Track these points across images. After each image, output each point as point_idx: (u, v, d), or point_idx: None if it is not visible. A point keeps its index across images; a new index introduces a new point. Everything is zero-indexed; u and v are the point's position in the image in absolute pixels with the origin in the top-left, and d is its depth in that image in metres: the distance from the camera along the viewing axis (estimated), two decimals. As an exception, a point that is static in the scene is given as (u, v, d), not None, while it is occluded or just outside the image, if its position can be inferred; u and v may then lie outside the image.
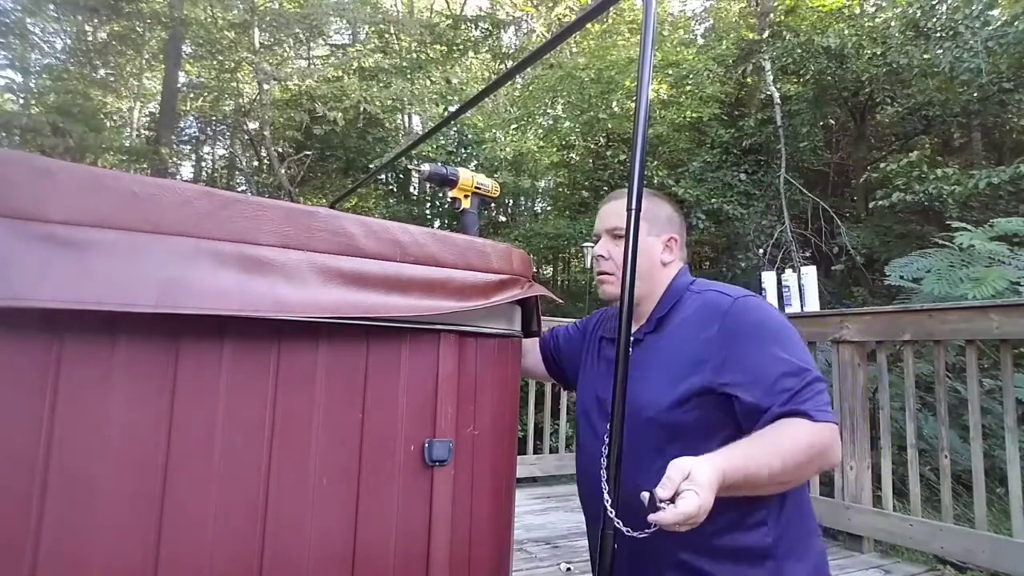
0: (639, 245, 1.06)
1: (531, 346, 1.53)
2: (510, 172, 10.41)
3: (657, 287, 1.23)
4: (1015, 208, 6.82)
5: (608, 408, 1.13)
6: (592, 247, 1.36)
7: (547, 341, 1.52)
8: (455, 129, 10.91)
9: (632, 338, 1.16)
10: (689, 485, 0.82)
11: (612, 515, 0.86)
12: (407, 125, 13.44)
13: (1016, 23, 6.85)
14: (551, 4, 11.88)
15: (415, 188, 13.32)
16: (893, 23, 8.10)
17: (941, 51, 7.25)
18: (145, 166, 11.03)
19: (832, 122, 9.94)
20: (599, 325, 1.42)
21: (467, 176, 1.41)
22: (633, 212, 1.14)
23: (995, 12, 7.31)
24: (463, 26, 12.45)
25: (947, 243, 4.77)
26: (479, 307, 1.07)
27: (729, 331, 1.09)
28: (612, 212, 1.26)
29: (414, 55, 11.95)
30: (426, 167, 1.39)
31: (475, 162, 11.58)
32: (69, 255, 0.72)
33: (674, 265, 1.26)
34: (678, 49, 9.75)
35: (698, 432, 1.08)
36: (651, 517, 0.81)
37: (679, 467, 0.84)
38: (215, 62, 11.77)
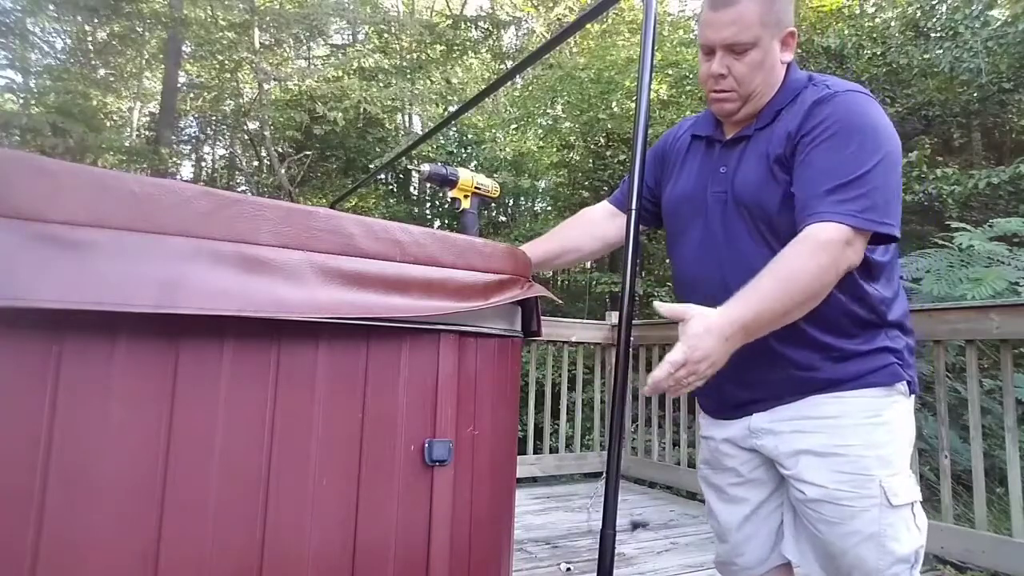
0: (759, 57, 1.08)
1: (604, 214, 1.44)
2: (510, 172, 10.41)
3: (775, 88, 1.15)
4: (1015, 208, 6.81)
5: (725, 193, 1.14)
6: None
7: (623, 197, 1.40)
8: (455, 129, 10.91)
9: (735, 135, 1.17)
10: (681, 337, 0.89)
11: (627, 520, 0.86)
12: (407, 125, 13.44)
13: (1016, 23, 6.85)
14: (551, 4, 11.88)
15: (415, 188, 13.32)
16: (893, 23, 8.10)
17: (941, 51, 7.25)
18: (145, 166, 11.02)
19: (832, 122, 9.90)
20: (681, 134, 1.34)
21: (467, 176, 1.41)
22: (635, 206, 1.15)
23: (995, 12, 7.31)
24: (463, 26, 12.45)
25: (947, 243, 4.77)
26: (479, 308, 1.07)
27: (811, 117, 1.05)
28: (728, 22, 1.08)
29: (414, 55, 11.95)
30: (426, 167, 1.40)
31: (475, 162, 11.58)
32: (69, 255, 0.72)
33: (789, 61, 1.16)
34: (678, 49, 9.75)
35: (785, 214, 1.06)
36: (649, 378, 0.89)
37: (695, 336, 0.90)
38: (215, 62, 11.77)
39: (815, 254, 0.95)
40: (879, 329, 1.10)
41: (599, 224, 1.44)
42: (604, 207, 1.47)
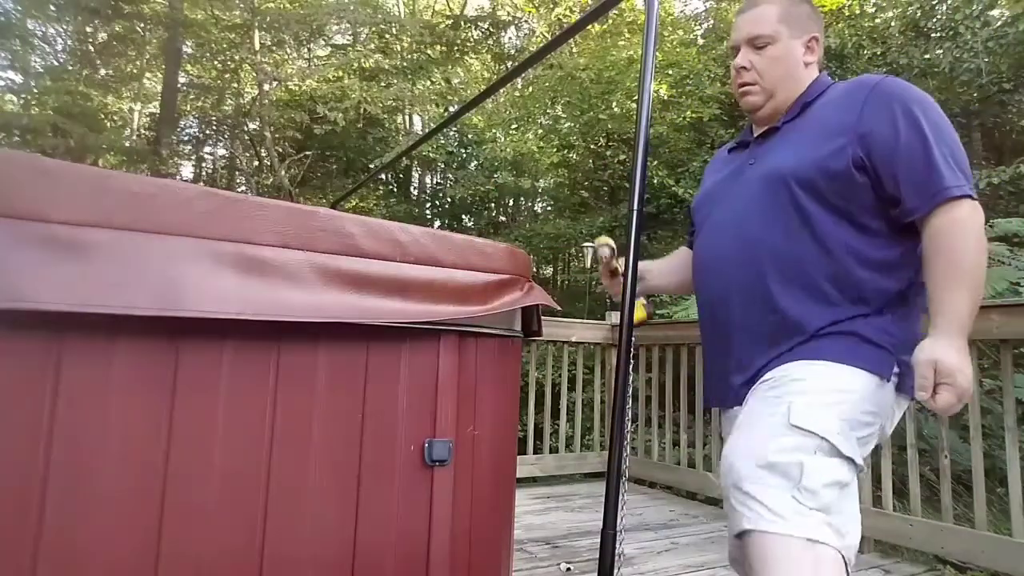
0: (778, 52, 1.17)
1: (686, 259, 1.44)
2: (510, 172, 10.41)
3: (800, 88, 1.20)
4: (1015, 208, 6.81)
5: (751, 180, 1.17)
6: (592, 247, 1.37)
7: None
8: (455, 129, 10.91)
9: (765, 129, 1.21)
10: (941, 379, 0.93)
11: (620, 520, 0.86)
12: (407, 125, 13.45)
13: (1016, 23, 6.85)
14: (551, 5, 11.88)
15: (415, 188, 13.33)
16: (893, 23, 8.10)
17: (941, 51, 7.25)
18: (145, 167, 11.02)
19: (832, 122, 9.91)
20: (716, 159, 1.42)
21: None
22: (635, 207, 1.15)
23: (995, 12, 7.32)
24: (463, 26, 12.46)
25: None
26: (480, 314, 1.07)
27: (878, 98, 1.07)
28: (750, 20, 1.20)
29: (415, 56, 11.95)
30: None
31: (475, 162, 11.59)
32: (69, 256, 0.72)
33: (814, 67, 1.23)
34: (678, 49, 9.75)
35: (834, 194, 1.07)
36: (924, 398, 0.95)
37: (924, 361, 0.95)
38: (215, 63, 11.78)
39: (967, 234, 0.99)
40: (868, 315, 1.07)
41: (682, 259, 1.49)
42: (683, 249, 1.52)
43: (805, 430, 0.96)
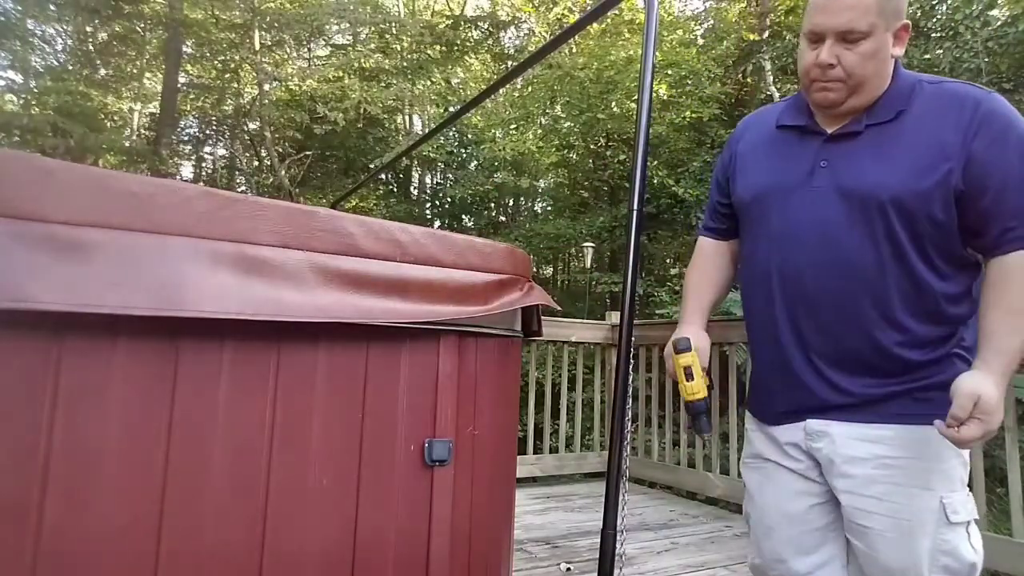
0: (872, 48, 0.99)
1: (714, 251, 1.29)
2: (510, 172, 10.41)
3: (884, 83, 1.06)
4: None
5: (827, 187, 1.05)
6: (590, 246, 1.31)
7: (722, 227, 1.27)
8: (455, 129, 10.92)
9: (842, 130, 1.07)
10: (978, 414, 0.90)
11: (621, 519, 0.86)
12: (407, 125, 13.45)
13: (1016, 23, 6.85)
14: (551, 5, 11.89)
15: (415, 188, 13.34)
16: (893, 23, 8.09)
17: (941, 51, 7.25)
18: (145, 166, 11.03)
19: (832, 122, 9.92)
20: (752, 127, 1.24)
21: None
22: (635, 207, 1.15)
23: (995, 12, 7.32)
24: (463, 26, 12.46)
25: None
26: (479, 314, 1.07)
27: (990, 122, 0.99)
28: (845, 7, 0.99)
29: (414, 56, 11.96)
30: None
31: (475, 162, 11.59)
32: (69, 256, 0.72)
33: (897, 54, 1.06)
34: (678, 49, 9.76)
35: (931, 227, 1.00)
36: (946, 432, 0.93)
37: (968, 393, 0.91)
38: (215, 63, 11.79)
39: None
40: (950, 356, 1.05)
41: (720, 262, 1.31)
42: (711, 244, 1.31)
43: (961, 523, 1.02)
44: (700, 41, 10.80)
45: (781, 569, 1.16)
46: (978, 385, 0.91)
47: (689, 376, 1.08)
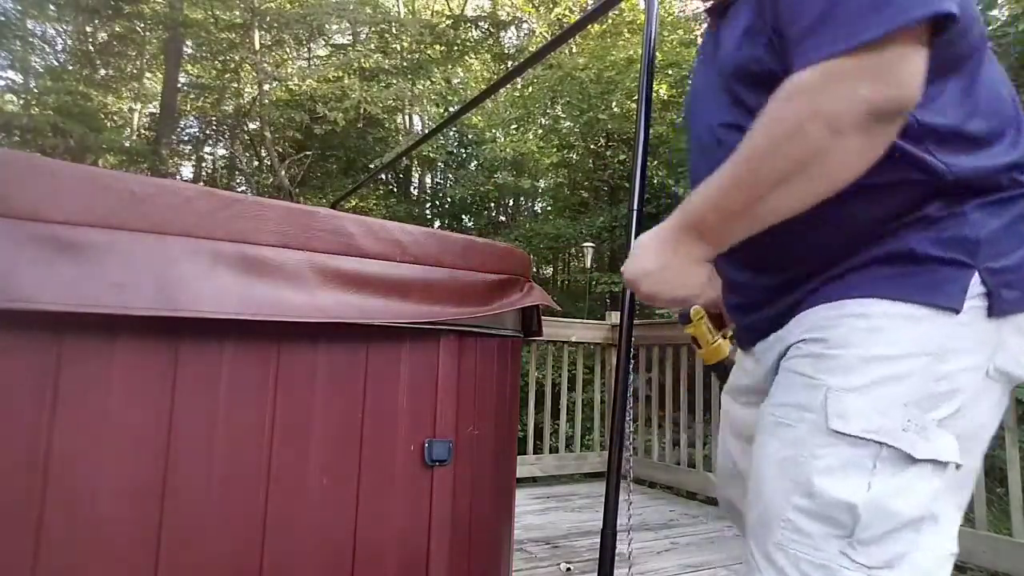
0: None
1: None
2: (510, 172, 10.41)
3: None
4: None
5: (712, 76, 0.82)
6: (590, 246, 1.30)
7: None
8: (455, 129, 10.92)
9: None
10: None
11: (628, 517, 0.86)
12: (407, 125, 13.45)
13: (1016, 23, 6.85)
14: (551, 5, 11.89)
15: (415, 188, 13.34)
16: (893, 23, 8.08)
17: (941, 51, 7.24)
18: (145, 166, 11.03)
19: (832, 122, 9.91)
20: None
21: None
22: (635, 206, 1.15)
23: (995, 12, 7.31)
24: (463, 26, 12.47)
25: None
26: (480, 315, 1.07)
27: None
28: None
29: (414, 55, 11.96)
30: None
31: (475, 162, 11.60)
32: (69, 256, 0.72)
33: None
34: (678, 49, 9.76)
35: (763, 76, 0.71)
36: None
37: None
38: (215, 62, 11.80)
39: (776, 112, 0.65)
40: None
41: None
42: None
43: (854, 437, 0.66)
44: (700, 41, 10.80)
45: None
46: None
47: (699, 345, 1.04)
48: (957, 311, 0.66)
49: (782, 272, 0.78)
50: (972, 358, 0.68)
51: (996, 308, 0.67)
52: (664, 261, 0.74)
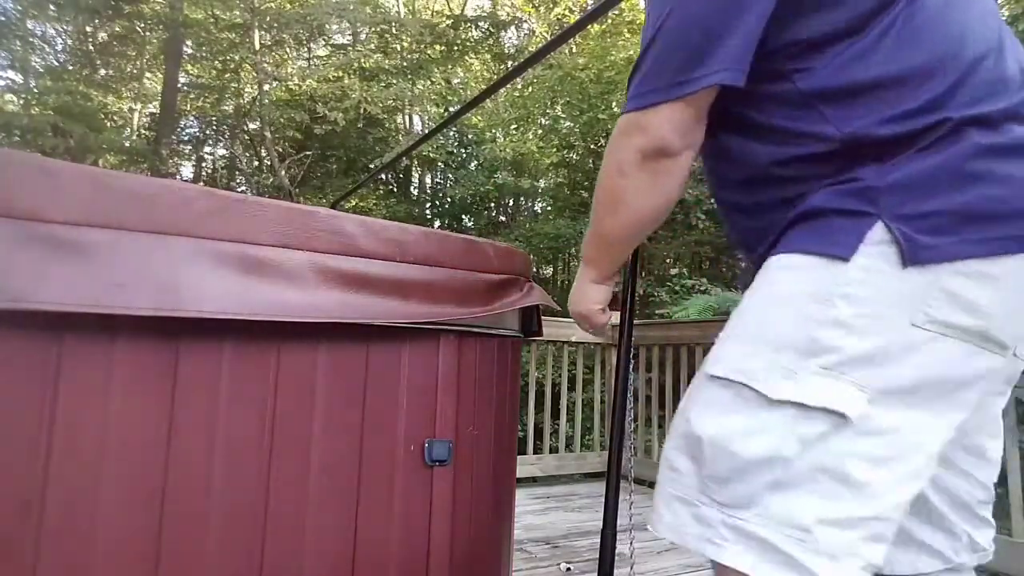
0: None
1: None
2: (510, 172, 10.41)
3: None
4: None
5: None
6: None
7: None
8: (455, 129, 10.91)
9: None
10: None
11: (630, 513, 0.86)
12: (407, 125, 13.45)
13: (1016, 23, 6.85)
14: (551, 5, 11.89)
15: (415, 188, 13.34)
16: (893, 23, 8.08)
17: (941, 51, 7.23)
18: (145, 166, 11.03)
19: (832, 122, 9.90)
20: None
21: None
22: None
23: (995, 12, 7.30)
24: (463, 26, 12.46)
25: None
26: (480, 315, 1.07)
27: None
28: None
29: (414, 55, 11.96)
30: None
31: (475, 162, 11.59)
32: (69, 256, 0.72)
33: None
34: (678, 49, 9.73)
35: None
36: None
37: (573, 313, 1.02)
38: (216, 62, 11.79)
39: (606, 159, 0.82)
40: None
41: None
42: None
43: (722, 379, 0.68)
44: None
45: None
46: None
47: None
48: (846, 259, 0.66)
49: (752, 250, 0.84)
50: (877, 306, 0.65)
51: (912, 255, 0.64)
52: (577, 286, 0.98)
